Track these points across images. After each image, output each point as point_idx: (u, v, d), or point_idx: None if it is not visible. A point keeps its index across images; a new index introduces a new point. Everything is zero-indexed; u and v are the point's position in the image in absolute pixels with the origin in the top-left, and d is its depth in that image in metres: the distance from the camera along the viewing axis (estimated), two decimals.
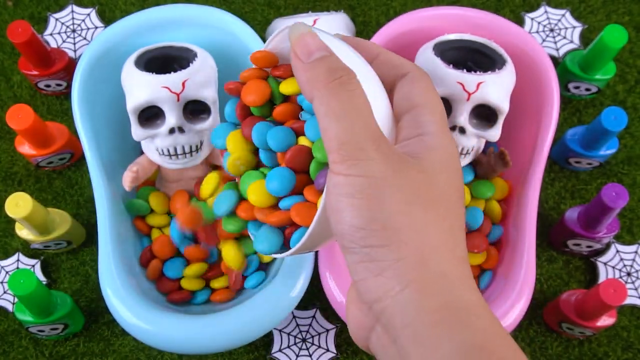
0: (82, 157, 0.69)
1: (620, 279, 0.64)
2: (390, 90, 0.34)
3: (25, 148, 0.66)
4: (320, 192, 0.33)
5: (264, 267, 0.60)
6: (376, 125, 0.29)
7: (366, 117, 0.29)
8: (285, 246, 0.35)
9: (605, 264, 0.66)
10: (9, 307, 0.65)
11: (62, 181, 0.69)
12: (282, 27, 0.34)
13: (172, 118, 0.55)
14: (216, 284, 0.59)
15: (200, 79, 0.55)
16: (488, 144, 0.62)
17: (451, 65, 0.53)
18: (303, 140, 0.34)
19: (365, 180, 0.28)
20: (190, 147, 0.56)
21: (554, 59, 0.74)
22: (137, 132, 0.56)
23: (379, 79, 0.33)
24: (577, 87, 0.71)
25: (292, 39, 0.31)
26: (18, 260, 0.66)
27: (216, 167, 0.62)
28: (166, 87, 0.53)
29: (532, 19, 0.76)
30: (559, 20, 0.76)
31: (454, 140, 0.33)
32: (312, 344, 0.63)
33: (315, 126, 0.33)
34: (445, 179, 0.30)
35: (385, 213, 0.28)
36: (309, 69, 0.30)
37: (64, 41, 0.75)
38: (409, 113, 0.32)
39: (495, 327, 0.28)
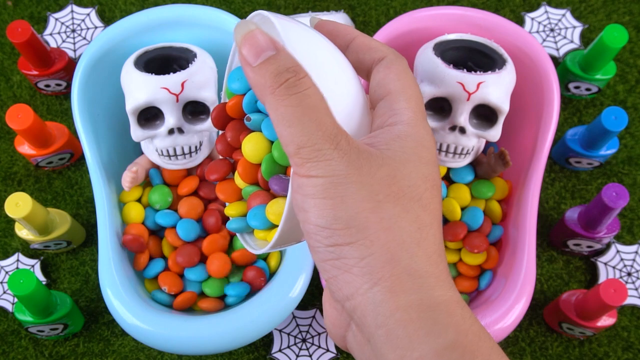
0: (82, 157, 0.69)
1: (620, 279, 0.64)
2: (367, 75, 0.33)
3: (25, 148, 0.66)
4: (275, 196, 0.33)
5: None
6: (332, 122, 0.28)
7: (320, 117, 0.28)
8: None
9: (605, 264, 0.66)
10: (9, 307, 0.64)
11: (61, 181, 0.69)
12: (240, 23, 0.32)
13: (171, 119, 0.54)
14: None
15: (200, 79, 0.54)
16: (488, 144, 0.62)
17: (451, 65, 0.53)
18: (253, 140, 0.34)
19: (326, 180, 0.28)
20: (190, 148, 0.56)
21: (554, 59, 0.74)
22: (136, 132, 0.56)
23: (348, 66, 0.32)
24: (577, 87, 0.71)
25: (237, 40, 0.30)
26: (18, 260, 0.66)
27: None
28: (165, 88, 0.53)
29: (532, 18, 0.76)
30: (559, 20, 0.76)
31: (429, 127, 0.31)
32: (312, 344, 0.63)
33: (271, 125, 0.33)
34: (412, 168, 0.29)
35: (348, 211, 0.28)
36: (256, 74, 0.29)
37: (63, 41, 0.75)
38: (384, 100, 0.31)
39: (470, 324, 0.28)
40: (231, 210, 0.35)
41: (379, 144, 0.30)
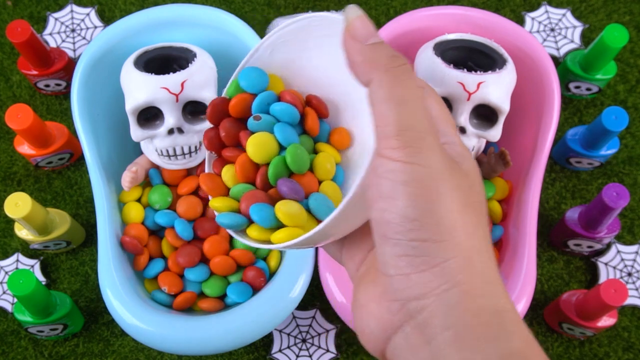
0: (82, 157, 0.69)
1: (621, 279, 0.64)
2: None
3: (24, 148, 0.66)
4: (283, 198, 0.33)
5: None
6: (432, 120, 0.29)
7: (425, 109, 0.28)
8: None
9: (606, 264, 0.66)
10: (8, 307, 0.64)
11: (61, 181, 0.69)
12: (285, 24, 0.33)
13: (171, 119, 0.54)
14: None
15: (200, 79, 0.54)
16: (488, 144, 0.62)
17: (451, 65, 0.53)
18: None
19: (425, 170, 0.27)
20: (189, 148, 0.56)
21: (554, 59, 0.74)
22: (136, 132, 0.56)
23: None
24: (577, 87, 0.71)
25: (348, 19, 0.30)
26: (17, 260, 0.66)
27: None
28: (165, 88, 0.53)
29: (532, 18, 0.76)
30: (560, 19, 0.76)
31: None
32: (312, 344, 0.63)
33: (286, 130, 0.33)
34: (479, 185, 0.30)
35: (442, 208, 0.27)
36: (368, 51, 0.29)
37: (63, 41, 0.75)
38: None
39: (530, 335, 0.28)
40: (217, 203, 0.35)
41: (453, 155, 0.30)
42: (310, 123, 0.34)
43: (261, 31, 0.73)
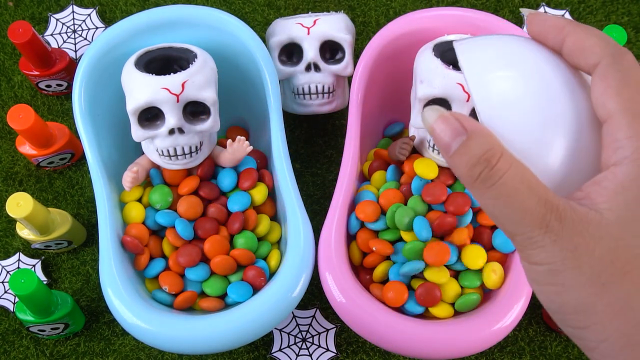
0: (83, 157, 0.70)
1: None
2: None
3: (26, 148, 0.66)
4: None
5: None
6: (538, 202, 0.26)
7: (522, 202, 0.26)
8: None
9: None
10: (10, 306, 0.65)
11: (62, 181, 0.69)
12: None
13: (171, 119, 0.55)
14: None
15: (200, 80, 0.55)
16: None
17: (451, 67, 0.54)
18: None
19: (545, 267, 0.26)
20: (190, 148, 0.57)
21: None
22: (137, 132, 0.56)
23: (560, 82, 0.27)
24: None
25: (427, 129, 0.28)
26: (19, 260, 0.66)
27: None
28: (166, 89, 0.54)
29: None
30: None
31: None
32: (312, 343, 0.64)
33: None
34: (638, 230, 0.25)
35: (572, 298, 0.26)
36: (451, 165, 0.28)
37: (64, 41, 0.75)
38: (606, 125, 0.26)
39: None
40: None
41: (599, 201, 0.26)
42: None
43: (261, 32, 0.73)
